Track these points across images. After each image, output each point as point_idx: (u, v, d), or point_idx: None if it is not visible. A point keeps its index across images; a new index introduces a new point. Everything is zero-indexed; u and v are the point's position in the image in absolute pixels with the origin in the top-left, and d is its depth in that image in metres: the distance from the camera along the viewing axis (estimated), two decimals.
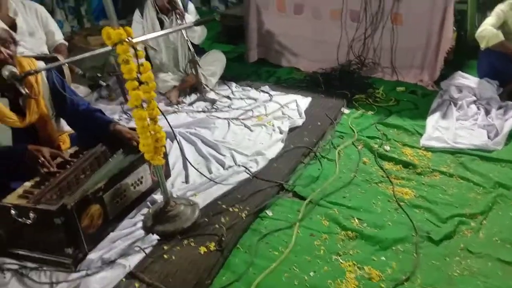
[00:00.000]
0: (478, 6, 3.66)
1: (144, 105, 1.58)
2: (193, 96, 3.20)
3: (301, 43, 3.59)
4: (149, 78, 1.54)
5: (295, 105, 2.96)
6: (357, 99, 3.03)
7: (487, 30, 2.87)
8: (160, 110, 1.64)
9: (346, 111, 2.93)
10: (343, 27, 3.34)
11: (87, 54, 1.64)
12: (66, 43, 3.02)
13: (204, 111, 2.98)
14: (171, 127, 1.94)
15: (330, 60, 3.43)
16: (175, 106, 3.06)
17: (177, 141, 2.43)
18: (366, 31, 3.26)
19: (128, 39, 1.43)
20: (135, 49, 1.44)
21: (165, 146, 1.76)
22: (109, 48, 1.43)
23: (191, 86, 3.26)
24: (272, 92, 3.19)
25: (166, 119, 1.81)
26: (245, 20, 3.75)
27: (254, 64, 3.83)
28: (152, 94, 1.57)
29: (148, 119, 1.61)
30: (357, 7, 3.23)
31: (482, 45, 2.93)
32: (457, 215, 1.91)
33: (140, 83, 1.54)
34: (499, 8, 2.95)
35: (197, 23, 1.70)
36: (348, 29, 3.33)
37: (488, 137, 2.51)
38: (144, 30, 3.07)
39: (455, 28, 3.37)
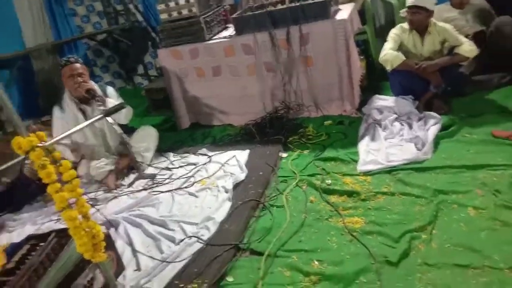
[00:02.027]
0: (375, 33, 4.03)
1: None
2: (132, 176, 3.13)
3: (227, 101, 3.68)
4: (72, 176, 1.48)
5: (235, 161, 2.98)
6: (291, 141, 3.11)
7: (389, 54, 3.14)
8: (93, 204, 1.58)
9: (284, 155, 2.99)
10: (262, 79, 3.49)
11: (3, 167, 1.56)
12: None
13: (145, 189, 2.90)
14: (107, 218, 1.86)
15: (258, 111, 3.54)
16: (115, 191, 2.96)
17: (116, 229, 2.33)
18: (283, 78, 3.41)
19: (41, 143, 1.39)
20: (51, 152, 1.40)
21: (112, 240, 1.66)
22: (22, 157, 1.38)
23: (127, 167, 3.19)
24: (210, 153, 3.20)
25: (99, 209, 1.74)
26: (168, 91, 3.82)
27: (188, 130, 3.85)
28: (78, 191, 1.51)
29: (79, 217, 1.53)
30: (269, 59, 3.40)
31: (388, 67, 3.19)
32: (408, 231, 1.95)
33: (64, 182, 1.48)
34: (393, 32, 3.26)
35: (106, 114, 1.70)
36: (266, 80, 3.48)
37: (417, 149, 2.66)
38: (67, 125, 2.99)
39: (362, 57, 3.66)
